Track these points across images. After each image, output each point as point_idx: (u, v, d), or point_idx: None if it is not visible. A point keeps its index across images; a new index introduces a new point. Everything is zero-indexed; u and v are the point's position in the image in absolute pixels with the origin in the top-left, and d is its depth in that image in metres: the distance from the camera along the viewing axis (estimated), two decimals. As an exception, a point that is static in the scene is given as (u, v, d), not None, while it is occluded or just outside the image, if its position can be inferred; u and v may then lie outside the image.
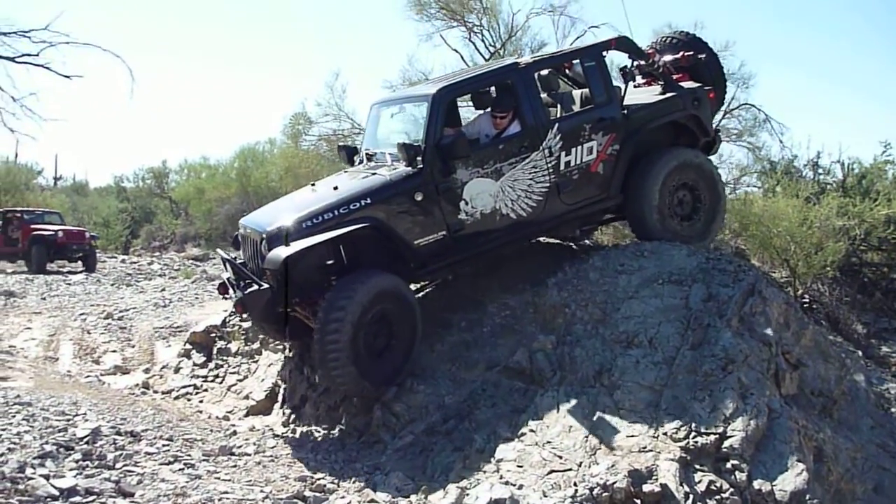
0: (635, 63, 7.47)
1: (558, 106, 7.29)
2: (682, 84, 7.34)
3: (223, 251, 7.70)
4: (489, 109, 6.78)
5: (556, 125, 6.59)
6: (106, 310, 11.50)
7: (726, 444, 4.72)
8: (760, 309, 5.73)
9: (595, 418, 4.97)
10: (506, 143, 6.47)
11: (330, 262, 6.12)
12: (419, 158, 6.14)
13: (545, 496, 4.22)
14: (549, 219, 6.70)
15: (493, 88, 6.80)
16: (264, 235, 6.02)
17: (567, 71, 7.94)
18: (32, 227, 19.85)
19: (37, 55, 6.22)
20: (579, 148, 6.64)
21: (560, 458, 4.68)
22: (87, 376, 7.85)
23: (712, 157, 7.73)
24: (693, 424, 4.81)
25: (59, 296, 13.51)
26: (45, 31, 6.04)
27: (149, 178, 33.21)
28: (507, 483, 4.48)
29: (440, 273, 6.88)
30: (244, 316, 6.36)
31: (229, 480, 4.67)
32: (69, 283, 15.45)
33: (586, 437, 4.83)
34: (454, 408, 5.87)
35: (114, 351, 9.28)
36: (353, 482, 4.99)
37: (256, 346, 7.73)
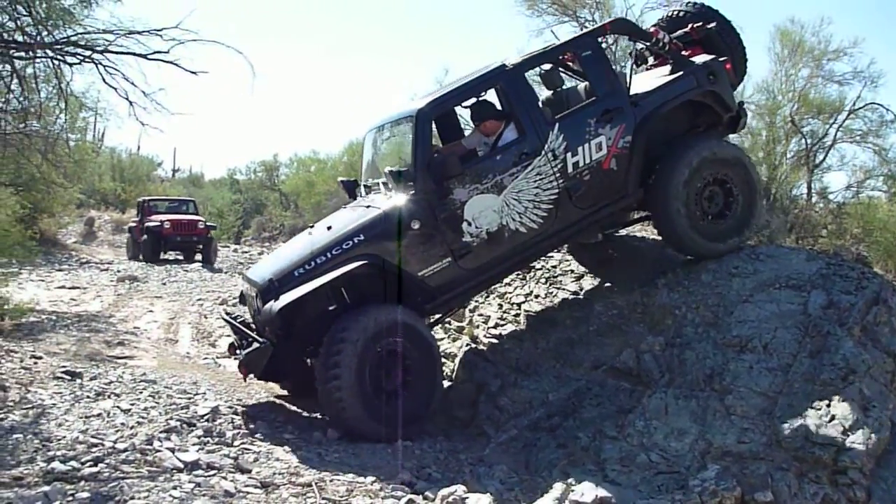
0: (639, 45, 6.92)
1: (566, 104, 6.58)
2: (694, 59, 6.70)
3: (225, 310, 7.44)
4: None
5: (557, 125, 6.02)
6: (221, 296, 12.02)
7: (844, 457, 4.53)
8: (885, 318, 5.48)
9: (705, 422, 4.87)
10: (503, 154, 5.96)
11: (332, 306, 5.72)
12: (410, 184, 5.71)
13: (651, 498, 4.17)
14: (565, 227, 6.14)
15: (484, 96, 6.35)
16: (257, 289, 5.76)
17: (571, 64, 7.22)
18: (149, 217, 19.20)
19: (167, 52, 6.49)
20: (586, 146, 6.07)
21: (667, 460, 4.62)
22: (205, 358, 8.24)
23: (737, 136, 7.30)
24: (809, 434, 4.64)
25: (177, 282, 14.21)
26: (176, 29, 6.30)
27: (260, 171, 34.35)
28: (612, 482, 4.46)
29: (454, 303, 6.41)
30: (250, 377, 5.88)
31: (340, 463, 4.82)
32: (187, 271, 16.23)
33: (695, 440, 4.74)
34: (558, 405, 5.87)
35: (228, 335, 9.69)
36: (458, 472, 5.06)
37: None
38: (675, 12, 7.33)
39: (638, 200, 6.47)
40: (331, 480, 4.40)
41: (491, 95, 6.56)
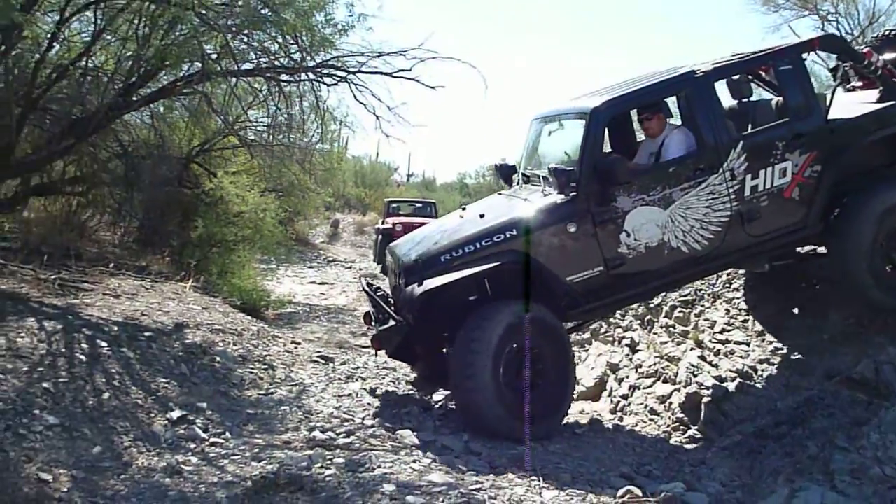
0: (847, 65, 6.25)
1: (751, 118, 6.10)
2: None
3: (366, 281, 7.31)
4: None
5: (741, 143, 5.57)
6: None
7: None
8: None
9: (950, 440, 4.57)
10: (677, 166, 5.57)
11: (473, 297, 5.60)
12: (573, 185, 5.43)
13: (883, 510, 4.03)
14: (730, 252, 5.71)
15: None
16: (401, 267, 5.68)
17: (764, 74, 6.62)
18: (386, 218, 19.83)
19: (409, 70, 7.15)
20: (770, 170, 5.59)
21: (904, 475, 4.40)
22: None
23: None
24: None
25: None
26: (419, 49, 6.93)
27: (489, 175, 35.37)
28: (841, 493, 4.33)
29: (596, 313, 6.16)
30: (380, 352, 5.91)
31: (563, 454, 5.08)
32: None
33: (937, 458, 4.47)
34: (787, 413, 5.72)
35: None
36: (678, 472, 5.14)
37: (587, 335, 8.13)
38: (890, 33, 6.75)
39: (816, 234, 5.90)
40: (553, 468, 4.69)
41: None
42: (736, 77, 5.99)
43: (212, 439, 4.48)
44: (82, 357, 4.82)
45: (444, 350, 5.94)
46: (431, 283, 5.26)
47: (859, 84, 6.56)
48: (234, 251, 9.91)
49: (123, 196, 8.92)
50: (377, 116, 7.40)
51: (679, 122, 6.06)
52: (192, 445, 4.34)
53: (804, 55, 6.00)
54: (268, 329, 7.55)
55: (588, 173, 5.39)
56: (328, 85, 7.27)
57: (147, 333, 5.58)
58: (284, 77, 7.35)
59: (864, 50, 6.23)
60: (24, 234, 7.93)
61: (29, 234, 7.87)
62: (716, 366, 6.54)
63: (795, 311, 6.68)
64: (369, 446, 4.63)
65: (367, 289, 6.60)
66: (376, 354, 6.14)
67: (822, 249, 6.28)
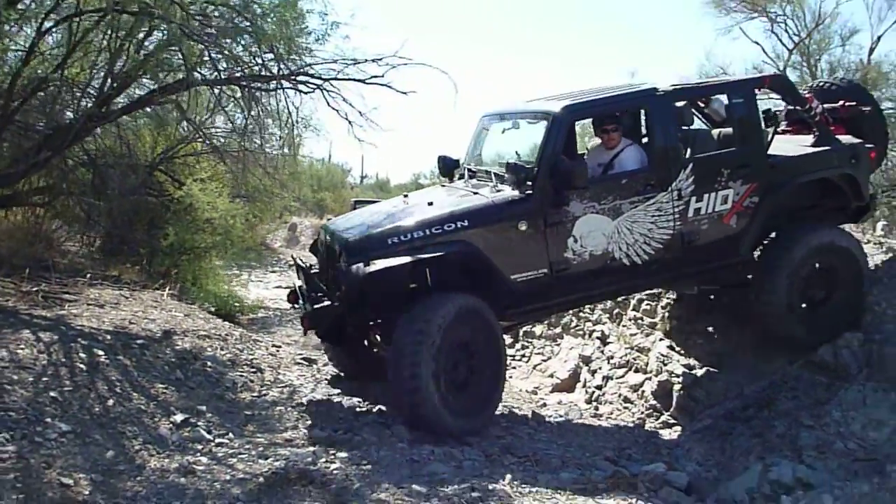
0: (786, 107, 6.57)
1: (691, 145, 6.16)
2: (839, 137, 6.39)
3: (300, 258, 7.00)
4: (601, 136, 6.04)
5: (692, 165, 5.75)
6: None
7: None
8: None
9: (904, 414, 4.98)
10: (630, 178, 5.67)
11: (413, 285, 5.40)
12: (529, 183, 5.41)
13: (848, 481, 4.38)
14: (666, 270, 5.86)
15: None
16: (346, 245, 5.46)
17: (703, 106, 6.94)
18: None
19: (382, 76, 7.34)
20: (714, 195, 5.79)
21: (864, 448, 4.78)
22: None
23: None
24: None
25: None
26: (393, 56, 7.13)
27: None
28: (808, 467, 4.69)
29: (532, 316, 6.19)
30: (309, 333, 5.76)
31: (549, 441, 5.38)
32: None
33: (894, 430, 4.86)
34: (753, 397, 6.10)
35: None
36: (656, 454, 5.46)
37: (559, 330, 8.43)
38: (828, 84, 7.08)
39: (745, 265, 6.15)
40: (542, 453, 4.97)
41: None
42: (681, 105, 6.11)
43: (217, 440, 4.63)
44: (82, 366, 4.93)
45: (372, 339, 5.91)
46: (383, 264, 5.11)
47: (788, 128, 6.88)
48: (205, 258, 9.96)
49: (91, 205, 8.91)
50: (350, 122, 7.56)
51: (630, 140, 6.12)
52: (200, 446, 4.49)
53: (756, 90, 6.18)
54: (248, 334, 7.66)
55: (546, 174, 5.39)
56: (304, 93, 7.42)
57: (139, 341, 5.69)
58: (258, 85, 7.47)
59: (807, 95, 6.64)
60: (-7, 246, 7.91)
61: (-1, 248, 7.87)
62: (684, 354, 6.90)
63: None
64: (368, 441, 4.84)
65: (301, 265, 6.26)
66: (305, 334, 5.99)
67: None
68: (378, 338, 5.93)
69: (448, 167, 6.76)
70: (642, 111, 6.00)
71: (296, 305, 6.03)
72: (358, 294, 5.21)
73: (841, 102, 6.68)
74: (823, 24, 15.96)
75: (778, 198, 6.01)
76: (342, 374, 6.47)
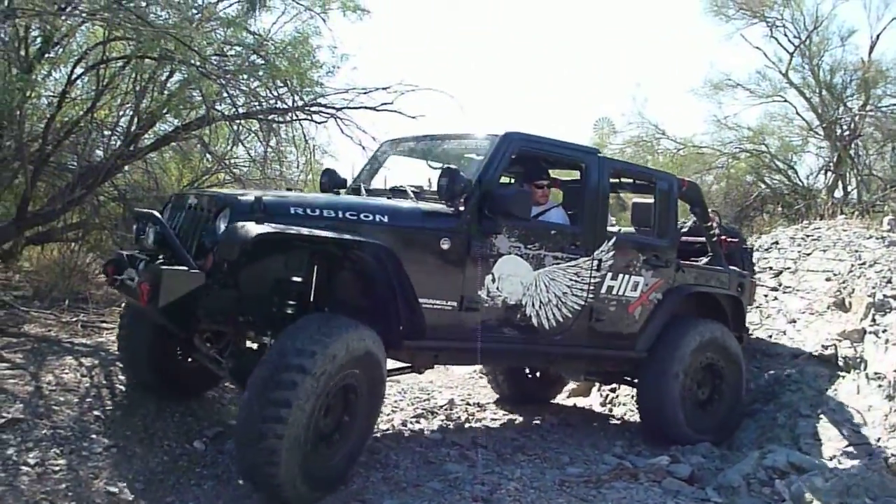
0: (693, 220, 6.71)
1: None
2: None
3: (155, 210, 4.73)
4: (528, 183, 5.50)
5: (615, 239, 5.44)
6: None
7: None
8: None
9: (893, 400, 5.22)
10: (560, 230, 5.21)
11: (297, 279, 4.33)
12: (461, 199, 4.64)
13: (840, 463, 4.64)
14: (567, 345, 5.32)
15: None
16: (233, 203, 4.10)
17: (620, 190, 6.79)
18: None
19: (391, 103, 7.75)
20: (627, 277, 5.48)
21: (858, 433, 5.04)
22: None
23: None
24: None
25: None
26: (400, 84, 7.54)
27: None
28: (805, 453, 4.96)
29: (424, 358, 5.00)
30: (142, 304, 3.94)
31: (560, 441, 5.68)
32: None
33: (885, 416, 5.11)
34: (758, 392, 6.35)
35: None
36: (665, 450, 5.73)
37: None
38: (717, 220, 7.10)
39: (637, 362, 5.82)
40: (553, 453, 5.28)
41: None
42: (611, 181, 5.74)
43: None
44: (121, 387, 5.31)
45: (198, 346, 4.85)
46: (281, 228, 3.89)
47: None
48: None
49: (122, 238, 9.38)
50: (363, 147, 7.95)
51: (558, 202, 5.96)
52: (230, 459, 4.85)
53: (677, 188, 5.97)
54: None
55: (482, 195, 4.71)
56: (318, 122, 7.84)
57: (172, 363, 6.08)
58: (274, 117, 7.91)
59: (712, 212, 6.81)
60: (33, 283, 8.38)
61: (39, 283, 8.33)
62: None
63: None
64: (386, 446, 5.18)
65: (160, 218, 4.32)
66: (142, 302, 3.88)
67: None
68: (208, 346, 4.80)
69: (334, 182, 5.73)
70: (582, 166, 5.43)
71: (116, 277, 4.32)
72: (235, 262, 3.97)
73: (725, 238, 6.81)
74: (821, 25, 16.09)
75: (677, 302, 5.84)
76: (134, 378, 5.36)
